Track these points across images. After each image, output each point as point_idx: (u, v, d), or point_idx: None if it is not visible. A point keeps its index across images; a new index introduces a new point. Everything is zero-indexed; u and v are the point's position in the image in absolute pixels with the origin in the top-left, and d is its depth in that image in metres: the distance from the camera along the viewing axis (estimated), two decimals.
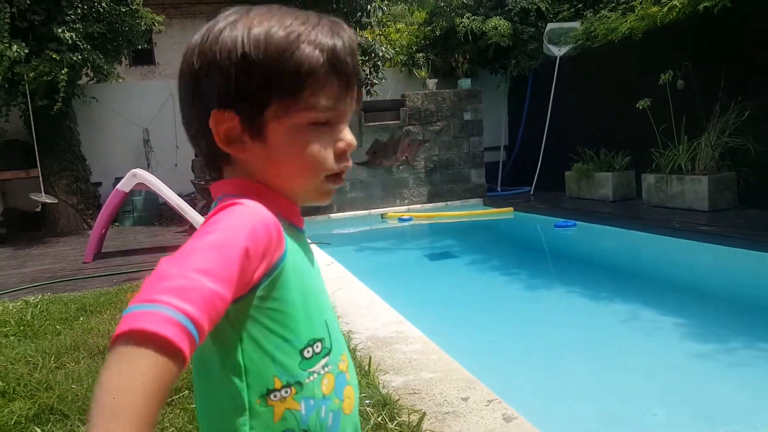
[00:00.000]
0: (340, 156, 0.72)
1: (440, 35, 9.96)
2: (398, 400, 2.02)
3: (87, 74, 8.27)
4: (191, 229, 5.92)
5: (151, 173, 5.86)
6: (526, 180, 9.23)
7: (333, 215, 8.26)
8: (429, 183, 8.92)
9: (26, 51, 6.74)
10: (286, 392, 0.67)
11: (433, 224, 8.07)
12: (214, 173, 0.76)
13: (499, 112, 10.25)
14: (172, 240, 6.82)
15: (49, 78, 6.92)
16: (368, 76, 9.45)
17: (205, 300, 0.53)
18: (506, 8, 9.28)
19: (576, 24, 8.45)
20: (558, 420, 2.39)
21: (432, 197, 8.92)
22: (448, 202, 8.89)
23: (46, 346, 2.85)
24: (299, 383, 0.68)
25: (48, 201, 7.58)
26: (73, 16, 7.20)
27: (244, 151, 0.70)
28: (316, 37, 0.67)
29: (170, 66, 12.15)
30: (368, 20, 9.08)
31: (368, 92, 9.53)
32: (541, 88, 8.97)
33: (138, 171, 5.54)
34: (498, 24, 8.81)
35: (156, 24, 8.47)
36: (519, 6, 9.17)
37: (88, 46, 7.27)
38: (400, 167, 8.76)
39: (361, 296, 3.64)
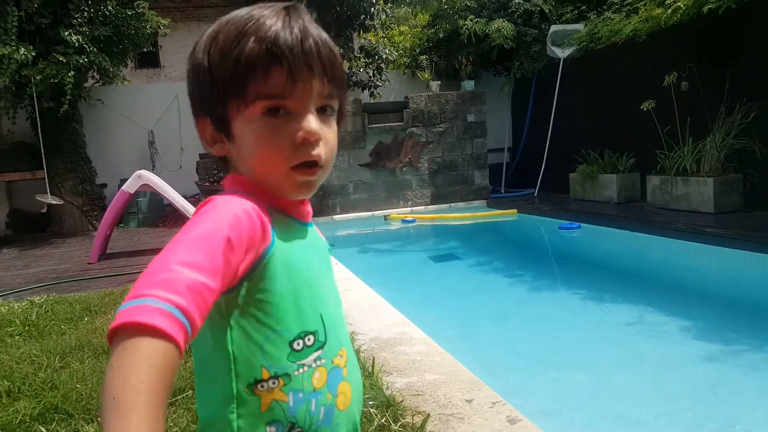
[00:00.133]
0: (301, 145, 0.70)
1: (443, 37, 9.97)
2: (402, 401, 2.02)
3: (93, 77, 8.32)
4: None
5: (156, 175, 5.87)
6: (530, 182, 9.21)
7: (336, 217, 8.27)
8: (432, 185, 8.92)
9: (33, 54, 6.79)
10: (274, 383, 0.68)
11: (436, 226, 8.06)
12: (224, 171, 0.79)
13: (503, 114, 10.24)
14: None
15: (55, 80, 6.96)
16: (372, 78, 9.47)
17: (190, 289, 0.55)
18: (509, 10, 9.28)
19: (579, 26, 8.44)
20: (563, 422, 2.38)
21: (435, 199, 8.92)
22: (452, 204, 8.88)
23: (51, 345, 2.87)
24: (287, 375, 0.68)
25: (53, 202, 7.62)
26: (79, 20, 7.25)
27: (225, 151, 0.74)
28: (259, 30, 0.68)
29: (175, 69, 12.20)
30: (372, 23, 9.10)
31: (372, 94, 9.55)
32: (545, 89, 8.96)
33: (143, 172, 5.56)
34: (501, 26, 8.80)
35: (161, 27, 8.52)
36: (522, 8, 9.16)
37: (95, 49, 7.32)
38: (404, 169, 8.76)
39: (364, 297, 3.63)
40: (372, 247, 7.11)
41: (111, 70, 7.74)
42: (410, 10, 10.50)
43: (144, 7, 7.98)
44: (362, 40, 9.74)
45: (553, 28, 8.57)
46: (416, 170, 8.81)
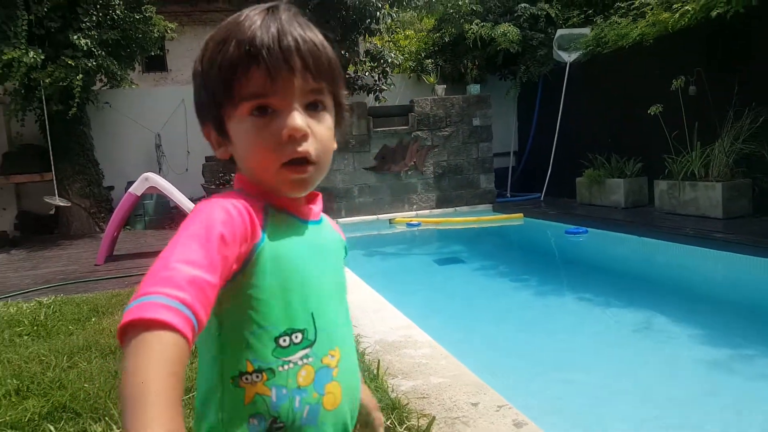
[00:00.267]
0: (288, 143, 0.71)
1: (449, 41, 9.97)
2: (407, 404, 2.01)
3: (101, 80, 8.38)
4: None
5: (163, 177, 5.90)
6: (536, 186, 9.19)
7: (341, 220, 8.27)
8: (437, 188, 8.91)
9: (42, 57, 6.84)
10: (257, 377, 0.69)
11: (441, 230, 8.04)
12: (231, 173, 0.81)
13: (509, 118, 10.23)
14: None
15: (64, 84, 7.01)
16: (377, 82, 9.48)
17: (191, 284, 0.58)
18: (515, 14, 9.27)
19: (586, 30, 8.42)
20: (569, 426, 2.37)
21: (440, 203, 8.91)
22: (457, 208, 8.87)
23: (59, 345, 2.89)
24: (271, 370, 0.70)
25: (61, 204, 7.66)
26: (88, 23, 7.31)
27: (228, 153, 0.77)
28: (238, 33, 0.70)
29: (182, 72, 12.26)
30: (377, 27, 9.12)
31: (377, 98, 9.56)
32: (551, 94, 8.94)
33: (150, 175, 5.58)
34: (507, 30, 8.80)
35: (169, 31, 8.58)
36: (528, 12, 9.16)
37: (103, 53, 7.37)
38: (409, 172, 8.76)
39: (369, 300, 3.62)
40: (377, 251, 7.10)
41: (119, 73, 7.80)
42: (416, 14, 10.51)
43: (152, 11, 8.03)
44: (368, 44, 9.76)
45: (560, 32, 8.56)
46: (421, 174, 8.80)
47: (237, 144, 0.74)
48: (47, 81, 6.95)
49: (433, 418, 1.90)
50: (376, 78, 9.51)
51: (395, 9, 9.08)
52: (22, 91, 7.25)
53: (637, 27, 7.24)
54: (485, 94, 9.13)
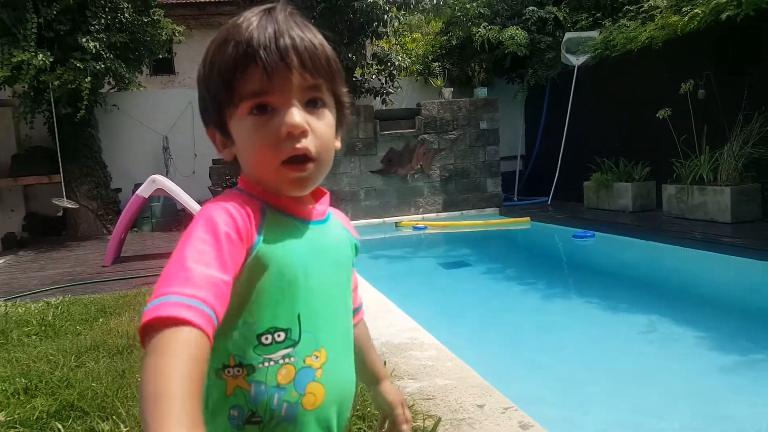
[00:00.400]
0: (287, 140, 0.72)
1: (456, 45, 9.98)
2: (413, 405, 2.01)
3: (109, 83, 8.44)
4: None
5: (170, 180, 5.92)
6: (544, 190, 9.15)
7: None
8: (444, 192, 8.90)
9: (51, 60, 6.90)
10: (238, 371, 0.72)
11: (448, 233, 8.02)
12: (237, 175, 0.83)
13: (516, 122, 10.20)
14: None
15: (73, 86, 7.06)
16: (384, 85, 9.48)
17: (208, 282, 0.61)
18: (523, 18, 9.26)
19: (594, 33, 8.40)
20: (575, 429, 2.35)
21: (447, 206, 8.89)
22: (464, 212, 8.84)
23: (67, 345, 2.91)
24: (251, 366, 0.72)
25: (69, 206, 7.70)
26: (97, 26, 7.36)
27: (232, 154, 0.78)
28: (237, 35, 0.72)
29: (189, 76, 12.31)
30: (384, 30, 9.12)
31: (384, 101, 9.56)
32: (559, 97, 8.91)
33: (157, 177, 5.60)
34: (515, 33, 8.78)
35: (176, 34, 8.63)
36: (536, 15, 9.14)
37: (111, 56, 7.43)
38: (415, 176, 8.75)
39: (375, 303, 3.62)
40: (383, 254, 7.09)
41: (127, 76, 7.86)
42: (423, 17, 10.51)
43: (160, 15, 8.09)
44: (375, 47, 9.76)
45: (568, 35, 8.54)
46: (428, 177, 8.79)
47: (238, 143, 0.76)
48: (56, 83, 7.00)
49: (439, 419, 1.89)
50: (383, 81, 9.51)
51: (402, 12, 9.09)
52: (31, 94, 7.30)
53: (646, 30, 7.21)
54: (492, 98, 9.11)
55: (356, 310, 0.98)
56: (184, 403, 0.52)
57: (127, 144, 9.20)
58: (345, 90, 0.81)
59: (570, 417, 2.47)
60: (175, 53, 11.92)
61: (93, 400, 2.18)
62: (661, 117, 6.50)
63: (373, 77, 9.67)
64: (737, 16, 5.74)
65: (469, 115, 8.86)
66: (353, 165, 8.50)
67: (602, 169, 7.63)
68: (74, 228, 8.27)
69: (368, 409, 1.92)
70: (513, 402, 2.04)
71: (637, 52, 7.33)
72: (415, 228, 7.99)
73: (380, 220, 8.48)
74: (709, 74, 6.23)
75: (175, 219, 8.78)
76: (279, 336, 0.73)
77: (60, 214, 8.47)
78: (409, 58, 10.08)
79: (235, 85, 0.72)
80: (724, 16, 5.88)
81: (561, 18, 9.11)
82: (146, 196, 5.65)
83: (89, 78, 7.07)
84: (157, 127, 9.30)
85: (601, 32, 8.29)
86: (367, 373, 1.01)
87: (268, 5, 0.76)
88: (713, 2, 6.06)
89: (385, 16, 8.55)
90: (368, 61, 9.58)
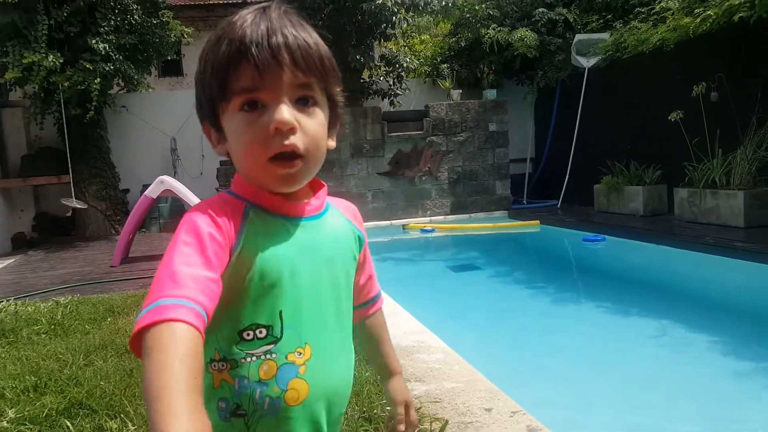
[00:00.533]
0: (275, 136, 0.72)
1: (465, 46, 9.94)
2: (420, 408, 1.99)
3: (118, 84, 8.48)
4: None
5: (178, 181, 5.92)
6: (553, 193, 9.09)
7: None
8: (452, 194, 8.86)
9: (61, 61, 6.94)
10: (223, 365, 0.75)
11: (456, 236, 7.98)
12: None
13: (526, 124, 10.15)
14: None
15: (82, 87, 7.10)
16: (392, 87, 9.46)
17: (194, 281, 0.63)
18: (533, 19, 9.21)
19: (605, 35, 8.35)
20: None
21: (455, 209, 8.85)
22: (472, 214, 8.80)
23: (76, 344, 2.95)
24: (234, 360, 0.75)
25: (78, 206, 7.73)
26: (106, 28, 7.41)
27: (225, 150, 0.80)
28: (231, 32, 0.74)
29: None
30: (393, 32, 9.11)
31: (392, 103, 9.54)
32: (569, 99, 8.85)
33: (165, 178, 5.61)
34: (524, 35, 8.74)
35: (185, 36, 8.65)
36: (546, 17, 9.09)
37: (120, 57, 7.47)
38: (423, 178, 8.71)
39: (384, 305, 3.59)
40: (390, 256, 7.05)
41: (135, 77, 7.88)
42: (432, 19, 10.49)
43: (168, 16, 8.13)
44: (383, 49, 9.76)
45: (578, 37, 8.49)
46: (436, 179, 8.76)
47: (230, 139, 0.77)
48: (66, 85, 7.04)
49: (446, 422, 1.87)
50: (391, 83, 9.50)
51: (411, 14, 9.08)
52: (42, 95, 7.35)
53: (657, 32, 7.15)
54: (502, 99, 9.07)
55: (373, 300, 0.99)
56: (185, 396, 0.54)
57: (136, 145, 9.23)
58: (339, 89, 0.81)
59: (579, 421, 2.45)
60: (184, 55, 11.98)
61: (101, 399, 2.22)
62: (672, 120, 6.43)
63: (381, 79, 9.66)
64: (750, 18, 5.67)
65: (478, 117, 8.82)
66: (360, 167, 8.48)
67: (613, 172, 7.57)
68: (83, 228, 8.31)
69: (374, 411, 1.90)
70: (521, 406, 2.03)
71: (648, 54, 7.27)
72: (423, 230, 7.95)
73: (387, 222, 8.45)
74: (721, 76, 6.16)
75: None
76: (261, 332, 0.74)
77: (69, 214, 8.52)
78: (418, 59, 10.06)
79: (228, 82, 0.73)
80: (736, 17, 5.81)
81: (571, 20, 9.06)
82: (154, 197, 5.66)
83: (98, 79, 7.10)
84: (165, 128, 9.33)
85: (611, 34, 8.24)
86: (380, 366, 1.02)
87: (264, 3, 0.77)
88: (726, 4, 6.01)
89: (394, 18, 8.55)
90: (376, 62, 9.58)
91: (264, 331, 0.74)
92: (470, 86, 9.90)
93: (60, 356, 2.76)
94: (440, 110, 8.71)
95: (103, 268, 5.69)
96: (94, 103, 7.25)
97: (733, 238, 5.22)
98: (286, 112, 0.72)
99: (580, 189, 8.37)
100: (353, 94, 9.02)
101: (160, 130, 9.31)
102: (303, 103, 0.75)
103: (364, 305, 0.98)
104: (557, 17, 9.10)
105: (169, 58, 9.62)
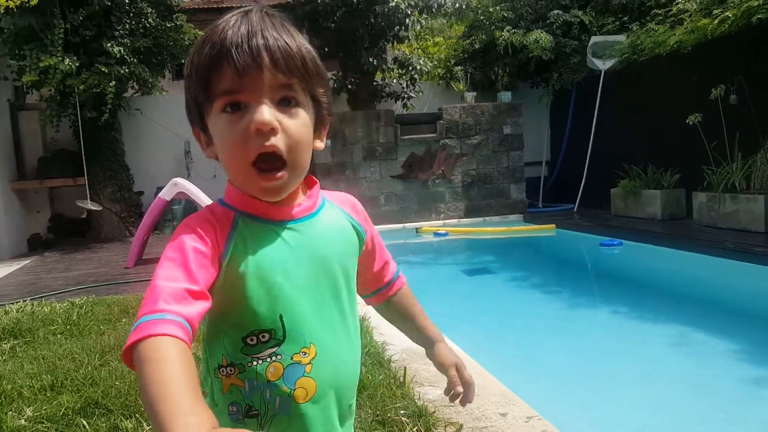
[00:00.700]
0: (256, 136, 0.73)
1: (479, 48, 9.88)
2: (434, 412, 1.98)
3: (133, 87, 8.53)
4: None
5: (192, 183, 5.94)
6: (569, 197, 8.99)
7: None
8: (466, 197, 8.80)
9: (77, 64, 6.99)
10: (231, 370, 0.77)
11: (470, 240, 7.93)
12: None
13: (541, 127, 10.06)
14: None
15: (97, 90, 7.16)
16: (405, 90, 9.44)
17: (173, 296, 0.66)
18: (548, 21, 9.14)
19: (621, 37, 8.26)
20: None
21: (469, 212, 8.79)
22: (486, 218, 8.74)
23: (91, 344, 2.98)
24: (241, 365, 0.77)
25: (93, 208, 7.79)
26: (121, 32, 7.47)
27: (214, 153, 0.81)
28: (213, 36, 0.75)
29: None
30: (406, 34, 9.09)
31: (405, 105, 9.52)
32: (585, 102, 8.78)
33: (179, 180, 5.63)
34: (539, 37, 8.67)
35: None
36: (561, 19, 9.02)
37: (135, 60, 7.52)
38: (436, 181, 8.67)
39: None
40: (403, 260, 7.02)
41: (150, 80, 7.92)
42: (445, 21, 10.46)
43: (182, 20, 8.18)
44: (396, 51, 9.74)
45: (594, 39, 8.41)
46: (449, 182, 8.71)
47: (215, 140, 0.79)
48: (81, 88, 7.09)
49: (461, 426, 1.85)
50: (404, 85, 9.47)
51: (424, 16, 9.05)
52: (58, 98, 7.42)
53: (674, 34, 7.07)
54: (516, 102, 9.01)
55: (391, 282, 1.01)
56: (183, 395, 0.56)
57: (150, 147, 9.29)
58: (323, 90, 0.81)
59: (595, 427, 2.44)
60: None
61: (117, 398, 2.24)
62: (691, 123, 6.35)
63: (394, 81, 9.64)
64: None
65: (492, 120, 8.77)
66: (373, 170, 8.46)
67: (630, 175, 7.48)
68: (98, 230, 8.37)
69: (388, 414, 1.87)
70: (537, 411, 2.02)
71: (665, 57, 7.18)
72: (436, 234, 7.90)
73: (400, 225, 8.41)
74: (740, 79, 6.07)
75: None
76: (264, 337, 0.76)
77: (84, 216, 8.59)
78: (431, 62, 10.02)
79: (211, 84, 0.75)
80: (755, 19, 5.74)
81: (587, 22, 8.98)
82: (168, 199, 5.68)
83: (113, 82, 7.15)
84: (179, 130, 9.36)
85: (628, 36, 8.15)
86: (420, 338, 1.04)
87: (248, 7, 0.78)
88: (744, 5, 5.93)
89: (407, 20, 8.53)
90: (389, 65, 9.56)
91: (267, 335, 0.76)
92: (484, 89, 9.84)
93: (76, 356, 2.79)
94: (454, 113, 8.66)
95: (117, 270, 5.73)
96: (108, 106, 7.30)
97: (754, 243, 5.15)
98: (266, 112, 0.73)
99: (597, 193, 8.28)
100: (365, 96, 9.02)
101: (173, 132, 9.35)
102: (285, 104, 0.76)
103: (385, 287, 1.01)
104: (572, 19, 9.03)
105: (183, 61, 9.66)
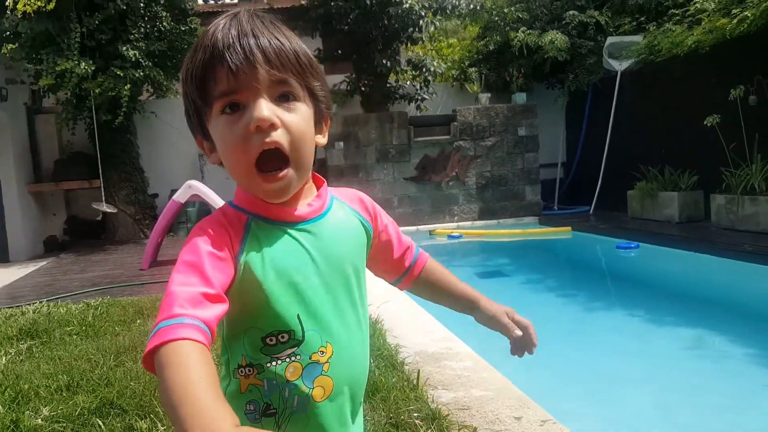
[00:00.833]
0: (256, 134, 0.73)
1: (494, 50, 9.83)
2: (448, 415, 1.96)
3: (147, 90, 8.60)
4: None
5: (206, 185, 5.96)
6: (585, 199, 8.90)
7: None
8: (480, 200, 8.75)
9: (93, 68, 7.06)
10: (250, 371, 0.78)
11: (484, 242, 7.87)
12: None
13: (556, 128, 9.97)
14: None
15: (113, 93, 7.22)
16: (418, 91, 9.41)
17: (189, 301, 0.66)
18: (563, 22, 9.07)
19: (638, 38, 8.17)
20: None
21: (483, 214, 8.74)
22: (501, 220, 8.68)
23: (106, 345, 3.01)
24: (260, 365, 0.77)
25: (108, 210, 7.85)
26: (136, 35, 7.53)
27: (218, 158, 0.80)
28: (205, 40, 0.76)
29: None
30: (420, 35, 9.07)
31: (418, 107, 9.49)
32: (601, 103, 8.69)
33: (193, 182, 5.66)
34: (555, 38, 8.61)
35: None
36: (577, 20, 8.94)
37: (150, 63, 7.58)
38: (450, 183, 8.63)
39: (409, 311, 3.60)
40: None
41: (164, 83, 7.98)
42: (460, 22, 10.42)
43: (197, 23, 8.23)
44: (409, 53, 9.72)
45: (610, 39, 8.33)
46: (463, 184, 8.66)
47: (216, 144, 0.79)
48: (97, 91, 7.16)
49: (475, 429, 1.84)
50: (418, 87, 9.45)
51: (438, 17, 9.02)
52: (74, 101, 7.50)
53: (692, 34, 6.98)
54: (531, 103, 8.95)
55: (412, 264, 1.02)
56: (206, 392, 0.58)
57: (164, 150, 9.35)
58: (319, 84, 0.81)
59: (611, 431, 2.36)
60: None
61: (132, 399, 2.26)
62: (709, 124, 6.26)
63: (408, 83, 9.61)
64: None
65: (507, 122, 8.71)
66: (386, 172, 8.44)
67: (647, 177, 7.39)
68: (113, 232, 8.44)
69: (401, 417, 1.85)
70: (552, 415, 2.00)
71: (683, 57, 7.09)
72: (450, 236, 7.86)
73: (414, 227, 8.38)
74: (760, 79, 5.99)
75: None
76: (283, 337, 0.77)
77: (99, 218, 8.66)
78: (445, 63, 9.98)
79: (207, 88, 0.75)
80: None
81: (603, 22, 8.89)
82: (182, 201, 5.71)
83: (128, 85, 7.21)
84: None
85: (645, 37, 8.06)
86: (460, 305, 1.04)
87: (236, 10, 0.79)
88: (764, 5, 5.86)
89: (421, 22, 8.50)
90: (403, 67, 9.54)
91: (286, 335, 0.77)
92: (499, 90, 9.79)
93: (91, 357, 2.81)
94: (468, 114, 8.62)
95: (132, 271, 5.76)
96: (123, 109, 7.36)
97: None
98: (264, 108, 0.73)
99: (613, 195, 8.18)
100: (379, 98, 9.00)
101: (187, 135, 9.31)
102: (283, 99, 0.76)
103: (408, 270, 1.02)
104: (588, 20, 8.95)
105: None
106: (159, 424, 2.02)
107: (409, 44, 9.21)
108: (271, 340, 0.77)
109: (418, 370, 2.36)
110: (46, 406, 2.23)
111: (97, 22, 7.24)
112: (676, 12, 7.70)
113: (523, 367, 3.00)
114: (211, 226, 0.76)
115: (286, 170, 0.75)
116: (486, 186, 8.72)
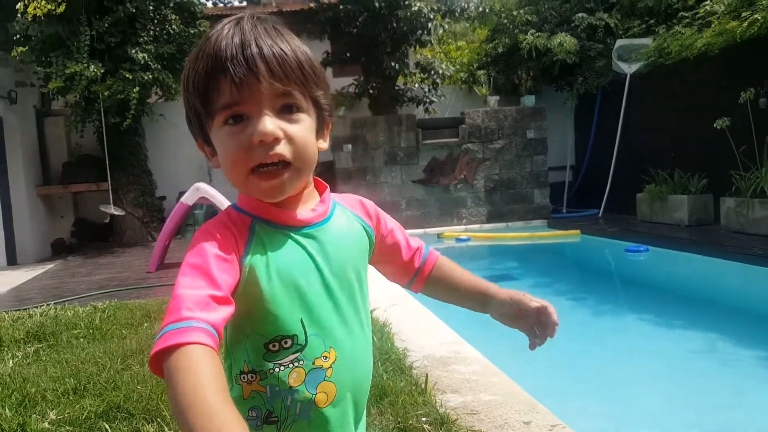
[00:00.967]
0: (259, 147, 0.73)
1: (503, 52, 9.81)
2: (456, 419, 1.94)
3: (156, 93, 8.63)
4: None
5: (213, 188, 5.97)
6: (594, 202, 8.86)
7: None
8: (489, 202, 8.72)
9: (102, 71, 7.09)
10: (252, 377, 0.77)
11: (492, 246, 7.84)
12: None
13: (565, 131, 9.94)
14: None
15: (122, 96, 7.25)
16: (427, 94, 9.40)
17: (197, 303, 0.66)
18: (572, 24, 9.04)
19: (647, 40, 8.13)
20: None
21: (492, 217, 8.71)
22: (509, 223, 8.65)
23: (113, 348, 3.00)
24: (263, 371, 0.77)
25: (116, 213, 7.88)
26: (145, 38, 7.56)
27: (219, 164, 0.80)
28: (207, 48, 0.75)
29: None
30: (428, 38, 9.06)
31: (426, 110, 9.48)
32: (611, 105, 8.65)
33: (201, 185, 5.67)
34: (564, 40, 8.58)
35: None
36: (586, 22, 8.91)
37: (159, 66, 7.61)
38: (458, 186, 8.61)
39: (416, 315, 3.58)
40: None
41: (173, 86, 8.01)
42: (468, 25, 10.41)
43: (205, 26, 8.26)
44: (418, 56, 9.72)
45: (619, 42, 8.29)
46: (471, 187, 8.64)
47: (218, 152, 0.79)
48: (106, 94, 7.20)
49: None
50: (426, 89, 9.44)
51: (447, 20, 9.01)
52: (83, 104, 7.54)
53: (702, 37, 6.93)
54: (540, 106, 8.92)
55: (422, 265, 0.99)
56: (216, 396, 0.58)
57: (172, 153, 9.38)
58: (322, 92, 0.80)
59: None
60: None
61: (138, 403, 2.25)
62: (719, 127, 6.22)
63: (416, 86, 9.61)
64: None
65: (516, 124, 8.69)
66: (394, 174, 8.43)
67: (656, 180, 7.35)
68: (120, 234, 8.47)
69: (409, 422, 1.83)
70: (561, 419, 1.98)
71: (692, 60, 7.05)
72: (458, 239, 7.83)
73: (422, 230, 8.36)
74: None
75: None
76: (286, 343, 0.76)
77: (107, 221, 8.70)
78: (454, 66, 9.97)
79: (210, 99, 0.75)
80: None
81: (612, 25, 8.86)
82: (190, 204, 5.71)
83: (137, 88, 7.25)
84: None
85: (654, 39, 8.01)
86: (476, 298, 0.99)
87: (239, 14, 0.78)
88: None
89: (429, 24, 8.50)
90: (411, 69, 9.53)
91: (289, 341, 0.76)
92: (508, 93, 9.76)
93: (98, 360, 2.80)
94: (476, 117, 8.61)
95: (139, 274, 5.77)
96: (132, 112, 7.39)
97: None
98: (269, 123, 0.72)
99: (622, 198, 8.14)
100: (387, 101, 9.00)
101: None
102: (287, 111, 0.75)
103: (418, 272, 0.99)
104: (597, 22, 8.91)
105: None
106: (166, 428, 2.01)
107: (417, 47, 9.21)
108: (274, 345, 0.76)
109: (426, 374, 2.35)
110: (52, 409, 2.22)
111: (106, 25, 7.29)
112: (686, 14, 7.65)
113: (531, 371, 3.00)
114: (216, 228, 0.76)
115: (286, 171, 0.75)
116: (494, 189, 8.69)
